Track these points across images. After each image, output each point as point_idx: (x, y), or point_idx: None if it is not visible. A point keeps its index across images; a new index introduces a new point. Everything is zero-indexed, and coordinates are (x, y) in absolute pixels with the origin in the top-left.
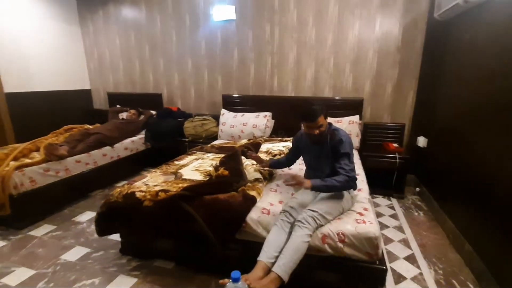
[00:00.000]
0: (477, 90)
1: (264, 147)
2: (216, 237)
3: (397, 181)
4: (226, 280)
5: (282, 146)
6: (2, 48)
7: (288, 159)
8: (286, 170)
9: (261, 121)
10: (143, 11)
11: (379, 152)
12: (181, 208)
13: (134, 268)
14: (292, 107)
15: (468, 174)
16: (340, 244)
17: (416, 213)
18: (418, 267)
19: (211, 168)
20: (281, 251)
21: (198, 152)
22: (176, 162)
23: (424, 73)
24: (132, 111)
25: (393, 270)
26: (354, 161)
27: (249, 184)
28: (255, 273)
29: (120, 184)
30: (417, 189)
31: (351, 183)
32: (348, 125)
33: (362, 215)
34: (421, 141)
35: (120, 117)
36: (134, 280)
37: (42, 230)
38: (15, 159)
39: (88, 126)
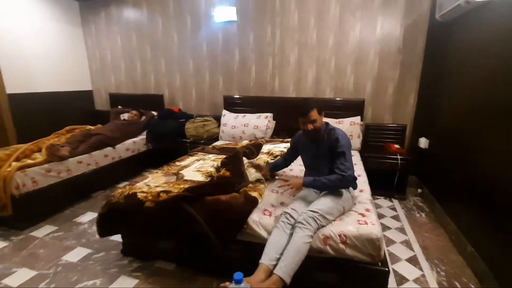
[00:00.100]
0: (479, 91)
1: (266, 148)
2: (218, 238)
3: (398, 182)
4: (227, 283)
5: (284, 147)
6: (4, 49)
7: (286, 159)
8: (287, 171)
9: (262, 122)
10: (144, 12)
11: (381, 153)
12: (182, 209)
13: (136, 269)
14: (293, 108)
15: (470, 175)
16: (342, 246)
17: (418, 215)
18: (421, 268)
19: (212, 169)
20: (282, 252)
21: (199, 153)
22: (177, 163)
23: (426, 74)
24: (134, 112)
25: (395, 272)
26: (355, 162)
27: (250, 185)
28: (257, 276)
29: (121, 185)
30: (419, 190)
31: (345, 182)
32: (349, 126)
33: (364, 216)
34: (423, 142)
35: (122, 118)
36: (136, 281)
37: (43, 231)
38: (17, 159)
39: (90, 127)
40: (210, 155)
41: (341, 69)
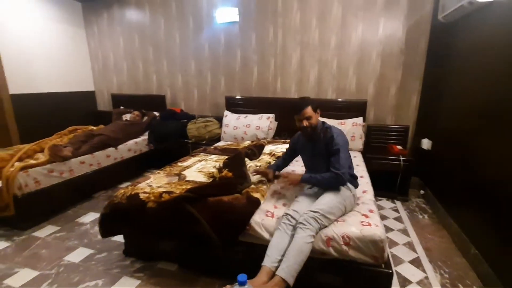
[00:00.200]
0: (481, 92)
1: (268, 148)
2: (220, 239)
3: (401, 183)
4: (228, 286)
5: (286, 148)
6: (7, 50)
7: (285, 160)
8: (289, 171)
9: (264, 123)
10: (147, 13)
11: (383, 154)
12: (184, 209)
13: (138, 269)
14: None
15: (473, 177)
16: (345, 247)
17: (420, 216)
18: (424, 270)
19: (214, 170)
20: (284, 254)
21: (201, 153)
22: (179, 164)
23: (428, 75)
24: (136, 112)
25: (398, 274)
26: (358, 163)
27: (252, 186)
28: (260, 278)
29: (123, 185)
30: (422, 191)
31: (340, 180)
32: (351, 127)
33: (368, 217)
34: (425, 143)
35: (124, 119)
36: (138, 282)
37: (45, 231)
38: (19, 160)
39: (92, 127)
40: (212, 156)
41: (343, 69)
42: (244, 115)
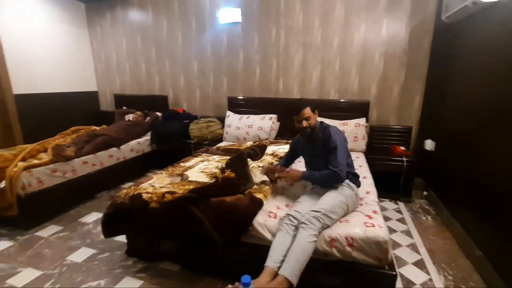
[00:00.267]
0: (486, 92)
1: (270, 149)
2: (222, 239)
3: (404, 184)
4: (230, 286)
5: (288, 148)
6: (11, 50)
7: (286, 161)
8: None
9: (266, 123)
10: (149, 14)
11: (386, 155)
12: (187, 210)
13: (140, 270)
14: None
15: (478, 178)
16: (348, 248)
17: (424, 217)
18: (428, 272)
19: (217, 170)
20: (287, 254)
21: (203, 154)
22: (182, 164)
23: (432, 75)
24: (138, 112)
25: (401, 276)
26: (361, 163)
27: (255, 186)
28: (262, 278)
29: (126, 186)
30: (425, 192)
31: (338, 177)
32: (354, 128)
33: (371, 218)
34: (429, 144)
35: (126, 119)
36: (140, 282)
37: (48, 231)
38: (23, 159)
39: (95, 127)
40: (214, 156)
41: (346, 70)
42: (246, 116)
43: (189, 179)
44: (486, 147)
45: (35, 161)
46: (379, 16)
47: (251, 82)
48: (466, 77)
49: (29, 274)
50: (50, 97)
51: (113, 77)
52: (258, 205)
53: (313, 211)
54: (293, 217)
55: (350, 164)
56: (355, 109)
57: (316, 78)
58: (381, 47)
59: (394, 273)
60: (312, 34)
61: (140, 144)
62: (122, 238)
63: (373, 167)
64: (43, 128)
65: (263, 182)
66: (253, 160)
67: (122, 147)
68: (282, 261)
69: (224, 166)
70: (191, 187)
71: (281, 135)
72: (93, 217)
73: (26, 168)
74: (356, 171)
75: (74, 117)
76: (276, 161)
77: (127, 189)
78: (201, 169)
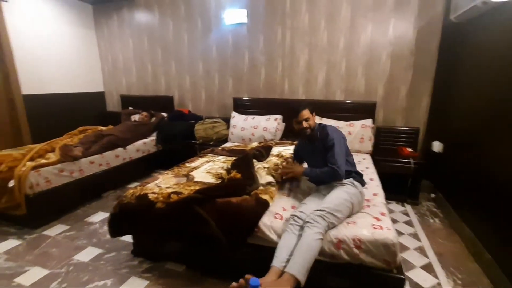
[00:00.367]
0: (495, 93)
1: (275, 150)
2: (228, 240)
3: (411, 186)
4: (234, 284)
5: (293, 149)
6: (20, 51)
7: None
8: None
9: (271, 124)
10: (156, 15)
11: (393, 156)
12: (193, 210)
13: (146, 270)
14: None
15: (487, 180)
16: (356, 250)
17: (431, 220)
18: (436, 276)
19: (223, 171)
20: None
21: (209, 154)
22: (187, 164)
23: (439, 76)
24: (144, 113)
25: (409, 279)
26: (367, 165)
27: (261, 187)
28: (269, 278)
29: (132, 185)
30: (432, 195)
31: (337, 174)
32: (360, 129)
33: (379, 220)
34: (436, 146)
35: (133, 119)
36: (146, 282)
37: (55, 230)
38: (31, 159)
39: (102, 127)
40: (220, 157)
41: (352, 71)
42: (252, 116)
43: (195, 179)
44: (496, 149)
45: (43, 161)
46: (386, 17)
47: (256, 83)
48: (475, 78)
49: (36, 273)
50: (57, 97)
51: (119, 78)
52: (264, 206)
53: (317, 210)
54: (298, 217)
55: (352, 163)
56: (361, 110)
57: (321, 79)
58: (388, 48)
59: (403, 276)
60: (318, 35)
61: (146, 144)
62: (128, 238)
63: (379, 169)
64: (51, 128)
65: (269, 183)
66: (259, 161)
67: (128, 147)
68: (288, 260)
69: (230, 167)
70: (197, 187)
71: (286, 136)
72: (99, 217)
73: (34, 168)
74: (362, 172)
75: (81, 118)
76: (282, 162)
77: (133, 189)
78: (207, 169)
